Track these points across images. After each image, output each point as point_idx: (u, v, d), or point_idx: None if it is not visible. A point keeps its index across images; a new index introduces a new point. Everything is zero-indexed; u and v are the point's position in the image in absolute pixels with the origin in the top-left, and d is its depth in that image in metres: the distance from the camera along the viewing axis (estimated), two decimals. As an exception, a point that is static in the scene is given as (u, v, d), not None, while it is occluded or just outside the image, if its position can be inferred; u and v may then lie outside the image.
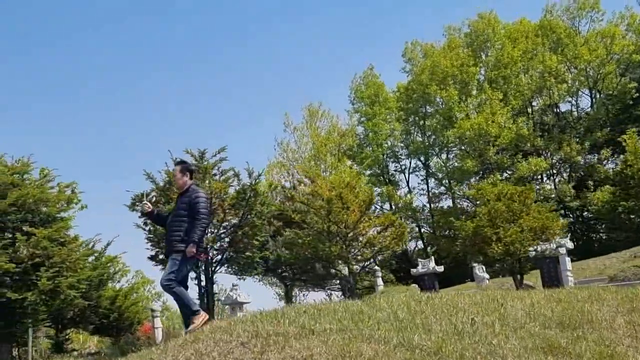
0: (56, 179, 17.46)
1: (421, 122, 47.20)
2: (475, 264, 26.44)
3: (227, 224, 19.47)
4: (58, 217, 16.87)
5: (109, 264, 21.90)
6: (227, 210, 18.66)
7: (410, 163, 49.11)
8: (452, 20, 69.64)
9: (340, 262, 24.51)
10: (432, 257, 26.78)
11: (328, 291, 43.05)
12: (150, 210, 8.15)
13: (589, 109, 44.57)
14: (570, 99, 45.14)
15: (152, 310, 25.32)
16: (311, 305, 11.23)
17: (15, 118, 78.41)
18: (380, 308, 9.55)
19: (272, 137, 77.86)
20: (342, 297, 42.16)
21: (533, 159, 41.03)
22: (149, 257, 22.01)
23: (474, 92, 44.73)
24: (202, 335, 8.96)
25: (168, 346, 8.98)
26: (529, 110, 45.56)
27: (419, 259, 27.31)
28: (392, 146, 47.88)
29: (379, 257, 30.15)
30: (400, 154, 48.42)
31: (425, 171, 47.56)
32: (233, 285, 30.35)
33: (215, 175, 19.92)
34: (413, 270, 26.45)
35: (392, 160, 48.15)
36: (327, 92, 78.69)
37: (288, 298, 34.42)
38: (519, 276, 23.63)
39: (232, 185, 20.22)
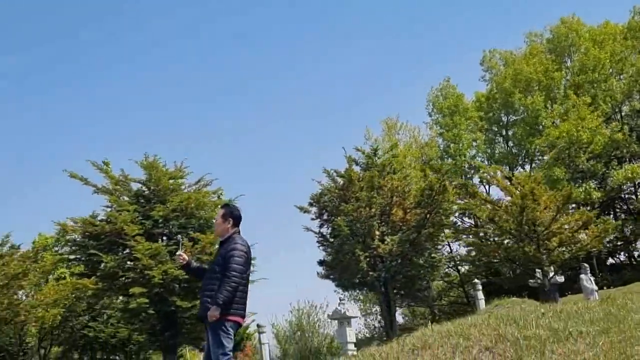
0: (213, 183, 17.17)
1: (503, 132, 46.26)
2: (582, 276, 25.31)
3: (405, 224, 18.31)
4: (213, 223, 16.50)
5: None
6: (407, 210, 17.69)
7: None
8: (528, 27, 68.17)
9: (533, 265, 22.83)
10: (552, 267, 25.74)
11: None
12: (186, 262, 6.75)
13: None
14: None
15: (259, 326, 24.83)
16: (545, 307, 10.55)
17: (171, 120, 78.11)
18: (630, 309, 8.79)
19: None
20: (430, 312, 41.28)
21: (629, 165, 39.61)
22: (318, 262, 20.92)
23: (559, 99, 43.57)
24: (431, 340, 8.32)
25: (389, 353, 8.34)
26: (618, 115, 44.15)
27: (536, 269, 26.37)
28: (474, 157, 46.91)
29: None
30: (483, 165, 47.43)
31: (509, 181, 46.37)
32: (340, 300, 29.71)
33: (388, 173, 18.80)
34: (531, 281, 25.59)
35: (474, 171, 47.11)
36: (403, 105, 77.60)
37: (390, 314, 33.49)
38: None
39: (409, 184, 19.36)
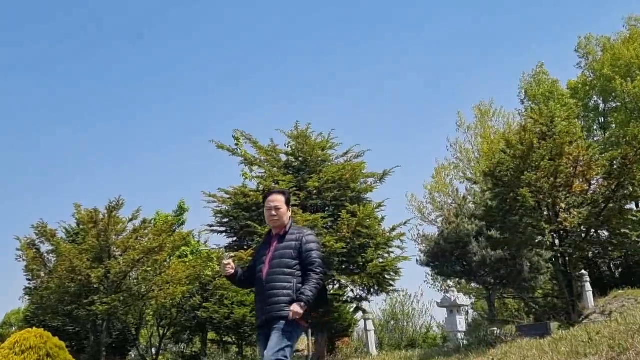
0: (363, 155, 16.61)
1: (601, 119, 44.58)
2: None
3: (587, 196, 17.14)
4: (362, 197, 16.06)
5: None
6: (592, 182, 16.67)
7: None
8: (624, 11, 65.18)
9: None
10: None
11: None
12: (234, 271, 5.97)
13: None
14: None
15: (364, 312, 24.23)
16: None
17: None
18: None
19: (435, 138, 72.38)
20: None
21: None
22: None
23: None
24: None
25: (613, 333, 7.60)
26: None
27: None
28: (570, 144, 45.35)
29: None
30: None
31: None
32: (449, 287, 28.87)
33: (571, 143, 17.52)
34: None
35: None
36: (494, 91, 75.39)
37: (490, 303, 32.56)
38: None
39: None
